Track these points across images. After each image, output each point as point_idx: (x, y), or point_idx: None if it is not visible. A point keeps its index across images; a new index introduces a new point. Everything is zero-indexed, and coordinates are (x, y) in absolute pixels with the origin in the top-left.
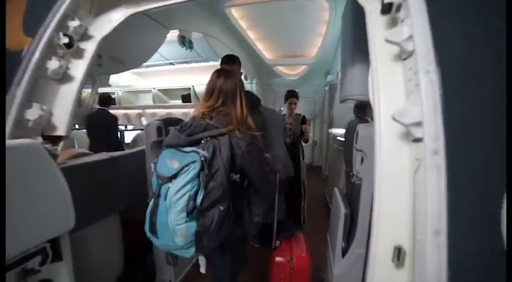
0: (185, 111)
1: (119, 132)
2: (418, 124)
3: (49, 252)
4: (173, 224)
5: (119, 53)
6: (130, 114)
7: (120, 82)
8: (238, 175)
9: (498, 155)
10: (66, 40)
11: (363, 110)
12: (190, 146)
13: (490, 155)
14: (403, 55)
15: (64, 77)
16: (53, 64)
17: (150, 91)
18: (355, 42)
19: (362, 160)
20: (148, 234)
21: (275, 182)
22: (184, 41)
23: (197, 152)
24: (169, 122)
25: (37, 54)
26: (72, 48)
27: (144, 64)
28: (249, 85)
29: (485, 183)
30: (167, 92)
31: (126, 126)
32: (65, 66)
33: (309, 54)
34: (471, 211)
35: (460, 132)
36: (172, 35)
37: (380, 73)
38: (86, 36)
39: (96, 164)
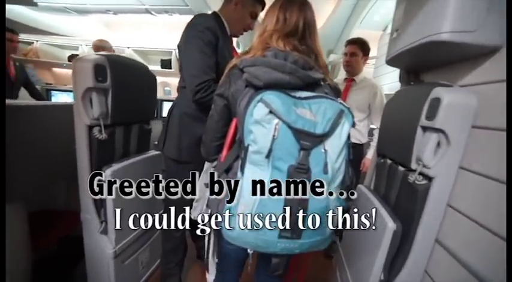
0: (164, 80)
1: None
2: None
3: None
4: (332, 205)
5: None
6: None
7: (84, 34)
8: None
9: None
10: None
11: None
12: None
13: None
14: None
15: None
16: None
17: (123, 51)
18: None
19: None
20: (274, 238)
21: None
22: None
23: (331, 99)
24: (117, 63)
25: None
26: None
27: (112, 7)
28: None
29: None
30: (145, 55)
31: None
32: None
33: None
34: None
35: None
36: None
37: None
38: None
39: None
